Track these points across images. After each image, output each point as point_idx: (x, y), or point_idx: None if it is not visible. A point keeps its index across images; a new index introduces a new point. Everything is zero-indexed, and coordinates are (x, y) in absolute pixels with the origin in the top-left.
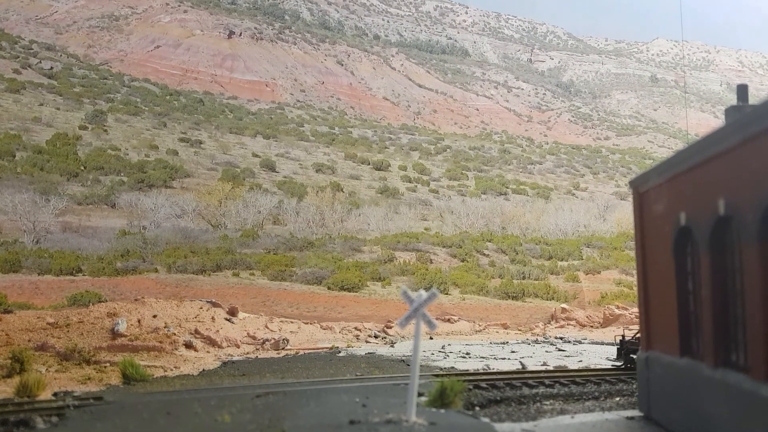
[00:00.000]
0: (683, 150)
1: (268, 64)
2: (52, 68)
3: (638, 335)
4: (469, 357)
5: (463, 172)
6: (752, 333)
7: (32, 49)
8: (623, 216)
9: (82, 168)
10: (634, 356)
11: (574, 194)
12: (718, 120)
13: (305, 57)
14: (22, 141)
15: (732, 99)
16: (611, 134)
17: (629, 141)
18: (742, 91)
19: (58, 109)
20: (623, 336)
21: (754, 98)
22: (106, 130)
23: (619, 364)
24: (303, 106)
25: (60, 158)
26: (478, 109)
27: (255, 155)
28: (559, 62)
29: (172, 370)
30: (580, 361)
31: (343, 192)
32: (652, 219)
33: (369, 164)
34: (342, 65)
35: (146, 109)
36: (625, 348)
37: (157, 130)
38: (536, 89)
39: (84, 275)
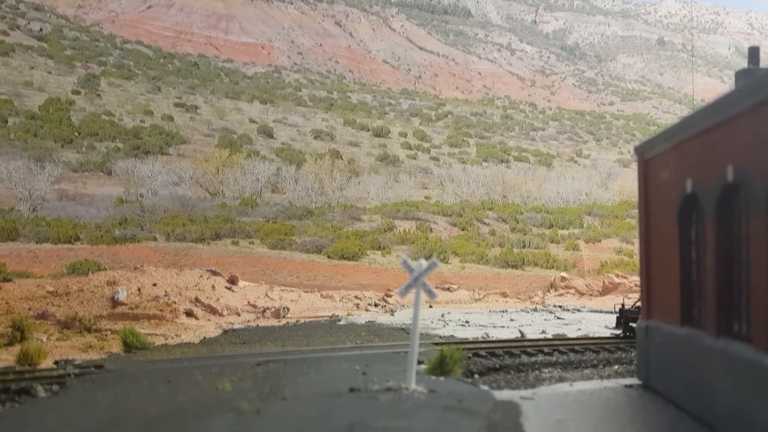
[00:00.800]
0: (691, 115)
1: (263, 25)
2: (41, 30)
3: (638, 304)
4: (469, 325)
5: (465, 138)
6: (756, 303)
7: (19, 9)
8: (625, 184)
9: (77, 134)
10: (634, 325)
11: (576, 161)
12: (725, 85)
13: (302, 18)
14: (14, 106)
15: (740, 63)
16: (616, 99)
17: (634, 106)
18: (754, 53)
19: (50, 72)
20: (623, 305)
21: (765, 62)
22: (99, 95)
23: (618, 332)
24: (300, 70)
25: (53, 124)
26: (480, 73)
27: (252, 121)
28: (564, 23)
29: (173, 338)
30: (579, 329)
31: (342, 159)
32: (657, 186)
33: (368, 130)
34: (340, 26)
35: (140, 72)
36: (624, 316)
37: (152, 94)
38: (540, 52)
39: (82, 243)
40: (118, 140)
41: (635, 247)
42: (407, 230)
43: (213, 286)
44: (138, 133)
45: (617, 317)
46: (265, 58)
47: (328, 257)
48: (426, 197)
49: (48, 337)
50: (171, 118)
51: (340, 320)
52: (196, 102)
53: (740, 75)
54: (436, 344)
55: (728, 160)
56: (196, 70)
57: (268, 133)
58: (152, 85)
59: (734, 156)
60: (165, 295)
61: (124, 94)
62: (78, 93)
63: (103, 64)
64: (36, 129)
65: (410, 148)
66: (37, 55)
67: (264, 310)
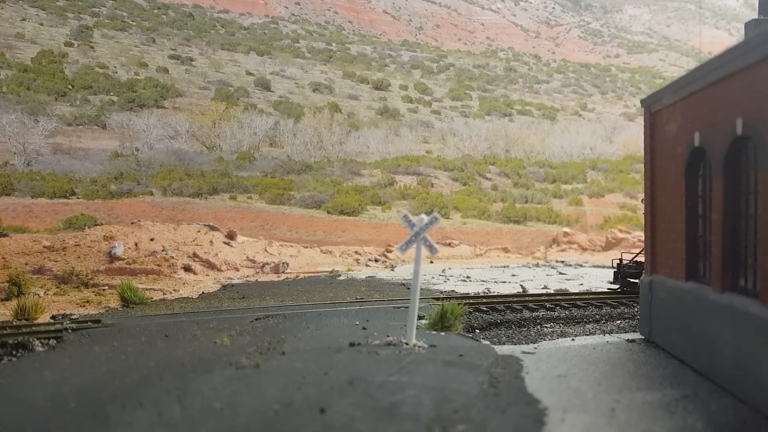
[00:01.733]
0: (700, 66)
1: None
2: None
3: (636, 259)
4: (470, 281)
5: (467, 92)
6: (764, 257)
7: None
8: (630, 138)
9: (70, 87)
10: (633, 280)
11: (580, 115)
12: (733, 38)
13: None
14: (6, 59)
15: (749, 15)
16: (622, 52)
17: (640, 59)
18: (764, 3)
19: (42, 24)
20: (620, 259)
21: None
22: (92, 47)
23: (615, 287)
24: (298, 21)
25: (47, 77)
26: (483, 24)
27: (249, 73)
28: None
29: (171, 293)
30: (581, 284)
31: (342, 113)
32: (664, 140)
33: (368, 83)
34: None
35: (133, 24)
36: (622, 271)
37: (146, 46)
38: (545, 2)
39: (78, 198)
40: (112, 93)
41: (640, 202)
42: (408, 185)
43: (211, 241)
44: (132, 86)
45: (614, 272)
46: (261, 9)
47: (328, 212)
48: (427, 152)
49: (45, 292)
50: (166, 71)
51: (339, 276)
52: (191, 54)
53: (751, 25)
54: (437, 299)
55: (737, 113)
56: (191, 21)
57: (265, 85)
58: (146, 36)
59: (744, 108)
60: (162, 250)
61: (117, 46)
62: (71, 45)
63: (96, 15)
64: (29, 82)
65: (411, 102)
66: (28, 6)
67: (263, 266)
